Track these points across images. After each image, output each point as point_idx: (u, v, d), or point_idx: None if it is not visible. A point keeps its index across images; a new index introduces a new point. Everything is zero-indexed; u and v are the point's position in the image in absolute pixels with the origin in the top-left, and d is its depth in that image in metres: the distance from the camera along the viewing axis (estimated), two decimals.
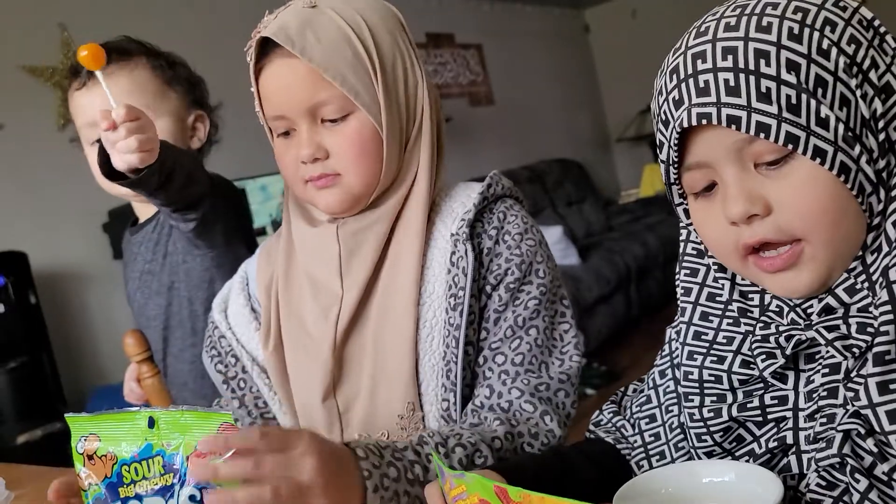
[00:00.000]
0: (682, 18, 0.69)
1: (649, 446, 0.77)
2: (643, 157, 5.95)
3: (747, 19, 0.60)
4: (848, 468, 0.59)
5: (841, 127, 0.58)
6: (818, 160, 0.58)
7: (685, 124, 0.61)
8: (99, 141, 1.09)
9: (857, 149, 0.59)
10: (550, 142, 5.57)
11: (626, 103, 5.98)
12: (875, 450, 0.58)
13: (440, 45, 4.93)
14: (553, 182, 5.15)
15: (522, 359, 0.90)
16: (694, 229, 0.70)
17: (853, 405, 0.60)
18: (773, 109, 0.58)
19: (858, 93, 0.59)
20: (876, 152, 0.60)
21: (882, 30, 0.62)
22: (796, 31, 0.59)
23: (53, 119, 2.98)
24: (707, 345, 0.71)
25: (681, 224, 0.73)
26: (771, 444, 0.65)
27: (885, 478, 0.58)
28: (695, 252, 0.73)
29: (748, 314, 0.69)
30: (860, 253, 0.62)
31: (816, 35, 0.59)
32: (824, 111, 0.58)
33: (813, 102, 0.58)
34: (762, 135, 0.58)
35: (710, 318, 0.72)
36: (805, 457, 0.63)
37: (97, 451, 0.68)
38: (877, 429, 0.58)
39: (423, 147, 0.99)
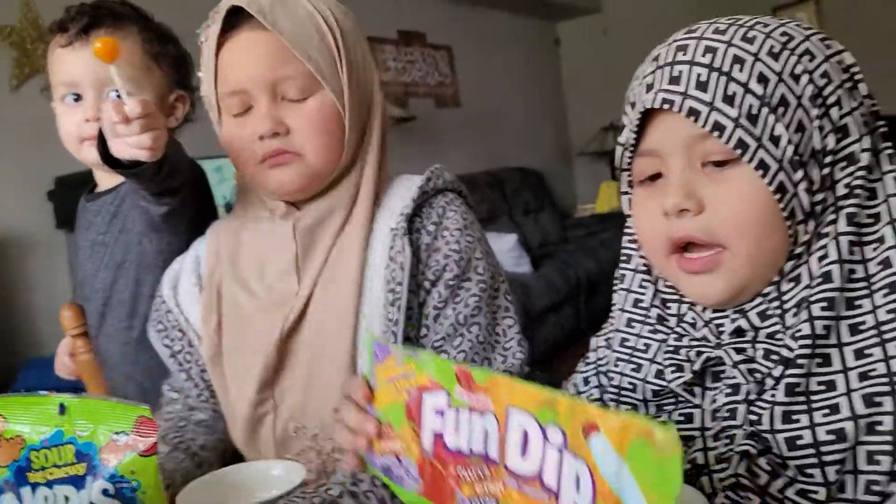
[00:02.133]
0: (653, 40, 0.70)
1: None
2: (602, 173, 6.02)
3: (736, 28, 0.63)
4: (746, 485, 0.61)
5: (790, 149, 0.60)
6: (761, 172, 0.60)
7: (649, 105, 0.63)
8: (75, 99, 1.10)
9: (800, 174, 0.61)
10: (513, 149, 5.60)
11: (590, 119, 6.03)
12: (768, 468, 0.61)
13: (411, 44, 4.92)
14: (512, 190, 5.17)
15: (465, 357, 0.90)
16: (631, 218, 0.71)
17: (753, 427, 0.62)
18: (733, 113, 0.60)
19: (816, 123, 0.62)
20: (816, 185, 0.62)
21: (857, 77, 0.65)
22: (776, 49, 0.62)
23: (3, 80, 2.89)
24: (630, 351, 0.72)
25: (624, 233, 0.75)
26: (685, 466, 0.66)
27: (779, 495, 0.60)
28: (625, 257, 0.75)
29: (665, 322, 0.70)
30: (777, 279, 0.64)
31: (794, 59, 0.61)
32: (779, 129, 0.60)
33: (771, 118, 0.60)
34: (716, 133, 0.60)
35: (633, 324, 0.73)
36: (716, 476, 0.65)
37: (4, 433, 0.65)
38: (775, 452, 0.61)
39: (373, 139, 0.98)
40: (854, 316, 0.61)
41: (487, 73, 5.51)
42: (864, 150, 0.62)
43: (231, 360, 0.98)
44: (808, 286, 0.62)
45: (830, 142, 0.62)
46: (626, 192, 0.70)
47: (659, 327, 0.70)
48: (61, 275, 2.91)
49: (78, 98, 1.15)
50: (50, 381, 2.40)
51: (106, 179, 1.26)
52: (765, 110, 0.60)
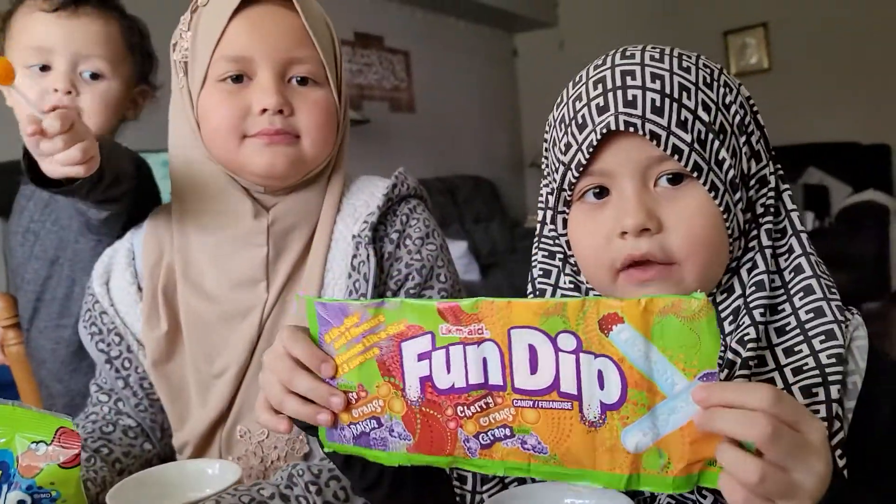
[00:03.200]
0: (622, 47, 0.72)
1: None
2: None
3: (669, 57, 0.66)
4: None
5: (731, 172, 0.65)
6: (713, 194, 0.63)
7: (612, 127, 0.63)
8: (41, 68, 1.06)
9: (738, 195, 0.66)
10: (466, 158, 5.62)
11: (545, 130, 6.10)
12: None
13: (368, 46, 4.90)
14: (464, 198, 5.19)
15: None
16: (566, 240, 0.72)
17: None
18: (688, 138, 0.63)
19: (743, 150, 0.67)
20: (744, 205, 0.67)
21: (755, 108, 0.70)
22: (708, 80, 0.66)
23: None
24: None
25: (538, 230, 0.77)
26: None
27: None
28: (547, 253, 0.76)
29: None
30: (713, 291, 0.68)
31: (722, 90, 0.66)
32: (722, 154, 0.64)
33: (716, 143, 0.64)
34: (675, 156, 0.63)
35: None
36: None
37: None
38: None
39: (345, 144, 0.98)
40: (779, 319, 0.66)
41: (444, 80, 5.52)
42: (771, 173, 0.69)
43: (194, 369, 0.95)
44: (740, 296, 0.67)
45: (753, 166, 0.68)
46: (563, 212, 0.71)
47: None
48: None
49: (45, 69, 1.10)
50: None
51: None
52: (710, 136, 0.64)
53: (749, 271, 0.67)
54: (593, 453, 0.52)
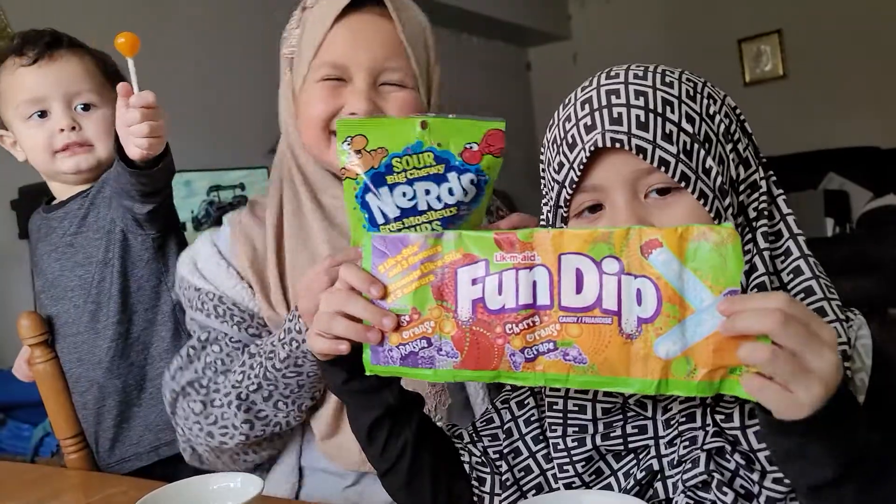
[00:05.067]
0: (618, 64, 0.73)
1: (521, 481, 0.78)
2: None
3: (652, 74, 0.69)
4: (714, 483, 0.66)
5: (719, 179, 0.67)
6: (702, 201, 0.66)
7: (599, 144, 0.67)
8: (40, 115, 1.21)
9: (727, 201, 0.68)
10: None
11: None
12: (743, 462, 0.66)
13: None
14: None
15: None
16: None
17: (720, 426, 0.67)
18: (674, 150, 0.66)
19: (731, 157, 0.69)
20: (734, 210, 0.69)
21: (742, 117, 0.72)
22: (691, 93, 0.68)
23: None
24: None
25: None
26: (640, 475, 0.70)
27: (751, 487, 0.65)
28: None
29: None
30: None
31: (705, 101, 0.69)
32: (709, 162, 0.67)
33: (702, 152, 0.67)
34: (662, 168, 0.66)
35: None
36: (670, 481, 0.69)
37: (366, 146, 0.77)
38: (745, 447, 0.66)
39: None
40: None
41: (459, 95, 5.53)
42: (762, 178, 0.71)
43: None
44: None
45: (741, 172, 0.70)
46: (562, 228, 0.75)
47: None
48: (23, 286, 2.86)
49: (43, 114, 1.23)
50: (8, 396, 2.36)
51: (64, 191, 1.31)
52: (696, 146, 0.67)
53: (747, 274, 0.69)
54: (628, 362, 0.59)
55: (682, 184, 0.66)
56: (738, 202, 0.70)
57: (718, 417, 0.67)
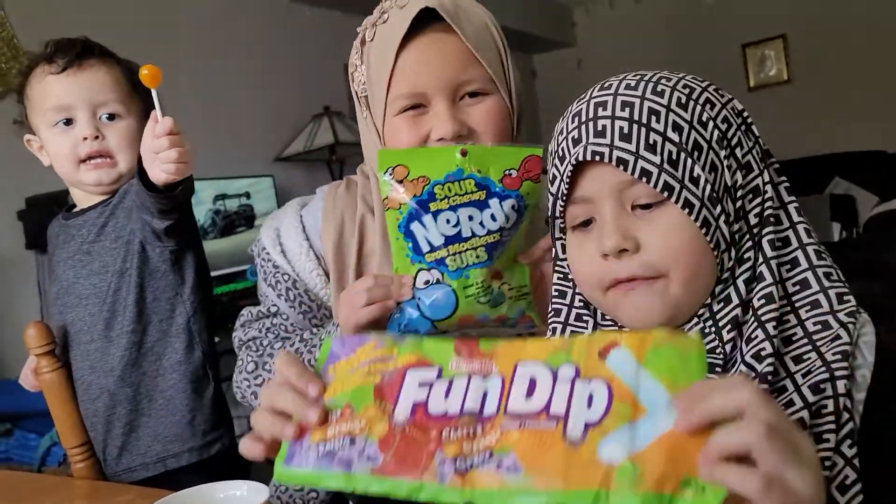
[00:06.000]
0: (624, 72, 0.74)
1: None
2: None
3: (645, 83, 0.69)
4: None
5: (708, 188, 0.67)
6: (687, 210, 0.66)
7: (580, 158, 0.68)
8: (66, 122, 1.23)
9: (718, 209, 0.68)
10: None
11: None
12: None
13: None
14: None
15: None
16: (567, 263, 0.77)
17: None
18: (657, 160, 0.66)
19: (725, 163, 0.69)
20: (732, 216, 0.69)
21: (749, 120, 0.72)
22: (683, 101, 0.69)
23: None
24: None
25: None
26: None
27: None
28: (557, 293, 0.80)
29: None
30: (708, 301, 0.70)
31: (699, 108, 0.69)
32: (697, 171, 0.67)
33: (689, 161, 0.67)
34: (644, 179, 0.67)
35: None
36: None
37: (408, 175, 0.79)
38: None
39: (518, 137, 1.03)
40: (785, 330, 0.68)
41: None
42: (766, 183, 0.71)
43: None
44: (738, 305, 0.69)
45: (739, 178, 0.70)
46: (560, 238, 0.77)
47: None
48: (30, 296, 2.87)
49: (69, 122, 1.25)
50: (15, 406, 2.36)
51: (85, 199, 1.33)
52: (683, 155, 0.67)
53: (748, 281, 0.69)
54: (567, 470, 0.50)
55: (665, 194, 0.66)
56: (735, 208, 0.70)
57: None
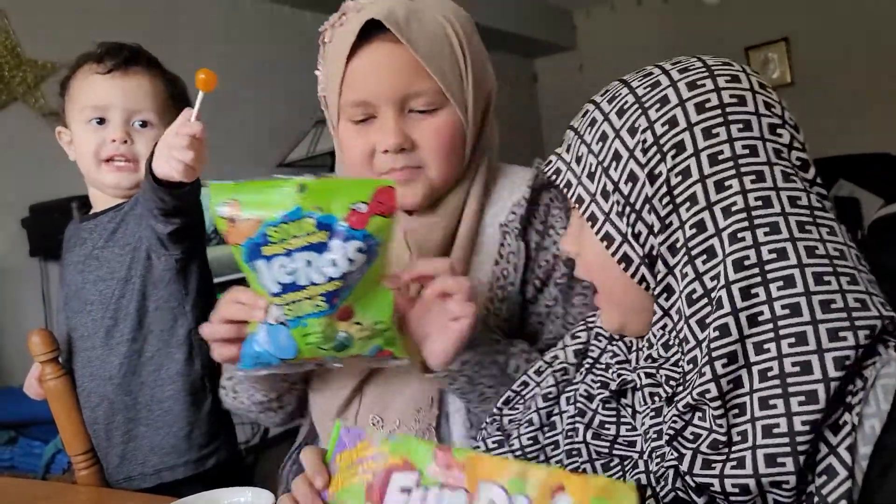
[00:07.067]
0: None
1: (527, 449, 0.78)
2: None
3: (611, 92, 0.70)
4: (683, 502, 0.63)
5: (620, 202, 0.65)
6: (590, 224, 0.67)
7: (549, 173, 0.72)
8: (99, 122, 1.25)
9: (626, 223, 0.65)
10: None
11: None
12: (693, 484, 0.62)
13: None
14: None
15: None
16: None
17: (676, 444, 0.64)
18: (578, 170, 0.69)
19: (645, 171, 0.64)
20: (658, 227, 0.64)
21: (735, 115, 0.64)
22: (625, 107, 0.67)
23: None
24: (592, 361, 0.77)
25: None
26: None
27: None
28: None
29: (613, 341, 0.76)
30: (660, 314, 0.66)
31: (637, 113, 0.65)
32: (609, 185, 0.66)
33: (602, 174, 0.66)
34: (566, 190, 0.69)
35: (600, 338, 0.78)
36: (661, 494, 0.67)
37: (240, 213, 0.71)
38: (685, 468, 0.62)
39: (487, 146, 1.00)
40: (763, 361, 0.59)
41: None
42: (736, 193, 0.61)
43: None
44: (679, 321, 0.63)
45: (664, 189, 0.63)
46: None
47: (616, 342, 0.75)
48: (34, 303, 2.88)
49: (101, 122, 1.27)
50: (19, 413, 2.36)
51: (101, 200, 1.34)
52: (599, 169, 0.67)
53: (690, 299, 0.62)
54: None
55: (577, 206, 0.68)
56: (661, 219, 0.63)
57: (673, 454, 0.65)
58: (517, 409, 0.81)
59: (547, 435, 0.76)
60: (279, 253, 0.71)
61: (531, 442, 0.77)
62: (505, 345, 0.89)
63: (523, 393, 0.81)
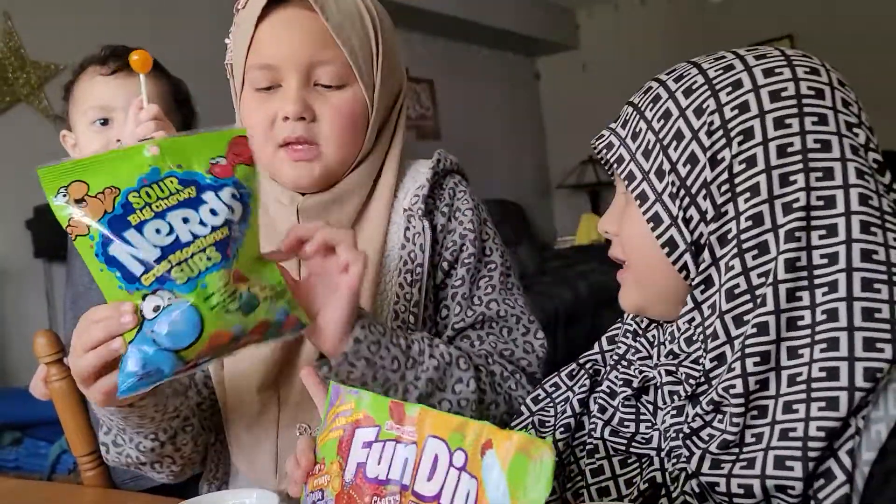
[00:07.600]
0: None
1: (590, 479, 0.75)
2: (582, 205, 6.08)
3: (678, 74, 0.66)
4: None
5: (676, 183, 0.63)
6: (638, 203, 0.64)
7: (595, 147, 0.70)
8: (103, 123, 1.27)
9: (678, 206, 0.63)
10: (493, 182, 5.64)
11: (569, 152, 6.11)
12: (698, 490, 0.61)
13: None
14: (492, 222, 5.19)
15: (492, 340, 0.92)
16: None
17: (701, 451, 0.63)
18: (634, 147, 0.66)
19: (708, 155, 0.61)
20: (711, 214, 0.61)
21: (805, 108, 0.61)
22: (694, 87, 0.64)
23: None
24: (618, 358, 0.75)
25: None
26: (642, 486, 0.67)
27: None
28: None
29: (637, 336, 0.74)
30: (691, 306, 0.64)
31: (706, 94, 0.63)
32: (666, 164, 0.63)
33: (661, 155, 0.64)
34: (616, 166, 0.66)
35: (627, 333, 0.76)
36: (674, 496, 0.66)
37: (88, 191, 0.66)
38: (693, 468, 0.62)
39: (399, 132, 1.00)
40: (794, 366, 0.58)
41: (468, 106, 5.57)
42: (800, 189, 0.59)
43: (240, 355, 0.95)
44: (709, 316, 0.62)
45: (724, 175, 0.61)
46: None
47: (638, 339, 0.73)
48: (38, 305, 2.88)
49: (105, 122, 1.29)
50: (25, 414, 2.37)
51: None
52: (658, 147, 0.64)
53: (731, 294, 0.60)
54: None
55: (626, 182, 0.66)
56: (715, 206, 0.61)
57: (686, 453, 0.64)
58: (548, 411, 0.79)
59: (576, 436, 0.74)
60: (149, 217, 0.66)
61: (565, 447, 0.74)
62: (405, 329, 0.88)
63: (554, 395, 0.79)
